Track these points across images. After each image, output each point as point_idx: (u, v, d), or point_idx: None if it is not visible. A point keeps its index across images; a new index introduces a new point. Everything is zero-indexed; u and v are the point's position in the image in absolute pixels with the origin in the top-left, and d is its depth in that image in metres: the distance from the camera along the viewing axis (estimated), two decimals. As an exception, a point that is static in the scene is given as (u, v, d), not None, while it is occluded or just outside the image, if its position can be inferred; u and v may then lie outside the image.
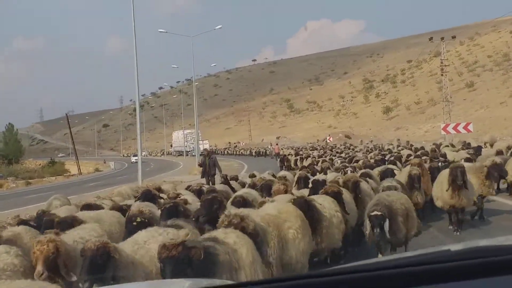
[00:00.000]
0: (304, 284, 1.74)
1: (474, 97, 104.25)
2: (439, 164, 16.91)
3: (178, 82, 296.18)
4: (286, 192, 10.71)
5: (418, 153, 27.70)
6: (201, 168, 27.53)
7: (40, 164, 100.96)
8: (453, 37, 76.16)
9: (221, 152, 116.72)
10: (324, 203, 9.01)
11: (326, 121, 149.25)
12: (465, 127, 44.64)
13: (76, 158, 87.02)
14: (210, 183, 24.65)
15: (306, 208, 8.09)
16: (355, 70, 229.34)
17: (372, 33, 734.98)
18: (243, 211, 6.94)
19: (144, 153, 41.97)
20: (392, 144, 52.92)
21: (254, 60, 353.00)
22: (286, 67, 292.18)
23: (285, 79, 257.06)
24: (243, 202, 9.82)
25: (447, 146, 33.80)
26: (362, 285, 1.64)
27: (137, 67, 34.16)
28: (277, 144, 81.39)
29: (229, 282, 2.06)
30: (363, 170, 16.75)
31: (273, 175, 18.55)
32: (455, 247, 1.99)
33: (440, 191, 12.79)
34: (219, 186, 15.18)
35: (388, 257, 2.27)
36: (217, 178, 24.76)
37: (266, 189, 12.37)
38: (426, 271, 1.68)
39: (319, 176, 15.83)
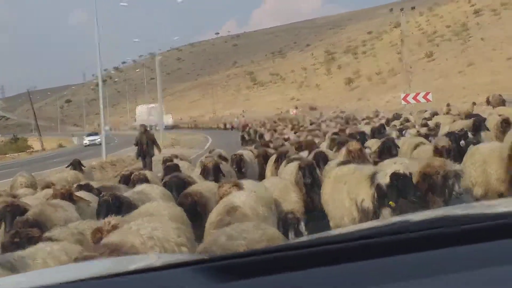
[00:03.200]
0: (250, 261, 1.61)
1: (433, 66, 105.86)
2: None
3: (140, 56, 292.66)
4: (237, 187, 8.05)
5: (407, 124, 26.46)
6: (137, 147, 23.19)
7: (2, 141, 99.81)
8: (413, 8, 77.79)
9: (188, 126, 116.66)
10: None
11: (289, 93, 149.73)
12: (424, 97, 45.32)
13: (39, 134, 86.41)
14: (147, 166, 21.56)
15: None
16: (317, 42, 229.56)
17: (335, 4, 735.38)
18: None
19: (107, 128, 41.88)
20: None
21: (217, 33, 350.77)
22: (249, 40, 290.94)
23: (248, 52, 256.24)
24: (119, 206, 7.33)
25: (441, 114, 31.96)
26: (313, 261, 1.53)
27: (99, 42, 34.37)
28: (243, 117, 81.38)
29: (200, 256, 2.03)
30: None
31: (220, 156, 15.61)
32: (415, 217, 2.00)
33: (483, 174, 9.43)
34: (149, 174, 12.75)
35: (342, 229, 2.20)
36: (157, 158, 21.71)
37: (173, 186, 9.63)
38: (383, 243, 1.62)
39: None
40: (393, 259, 1.50)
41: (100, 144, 57.00)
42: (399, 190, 7.10)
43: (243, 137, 40.38)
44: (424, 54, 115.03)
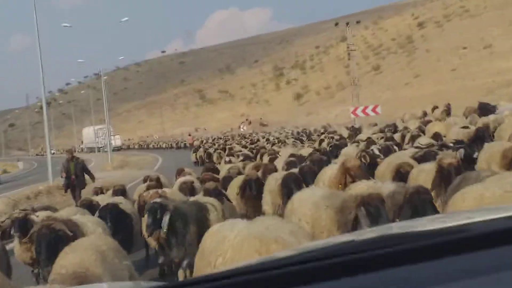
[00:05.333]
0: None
1: (380, 79, 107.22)
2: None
3: (86, 77, 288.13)
4: None
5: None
6: (65, 179, 19.23)
7: None
8: (358, 22, 78.38)
9: (139, 146, 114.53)
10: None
11: (239, 109, 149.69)
12: (373, 110, 45.64)
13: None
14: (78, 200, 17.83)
15: None
16: (265, 58, 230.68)
17: (280, 21, 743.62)
18: None
19: (53, 151, 40.43)
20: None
21: (164, 52, 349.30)
22: (196, 57, 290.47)
23: (196, 69, 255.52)
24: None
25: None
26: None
27: (42, 64, 33.11)
28: (189, 135, 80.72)
29: (156, 284, 1.84)
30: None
31: (158, 180, 14.02)
32: (361, 236, 1.88)
33: None
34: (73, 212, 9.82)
35: (282, 253, 1.94)
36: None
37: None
38: (326, 267, 1.52)
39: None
40: (338, 282, 1.46)
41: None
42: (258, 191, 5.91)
43: (196, 157, 39.76)
44: (371, 67, 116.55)
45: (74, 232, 7.08)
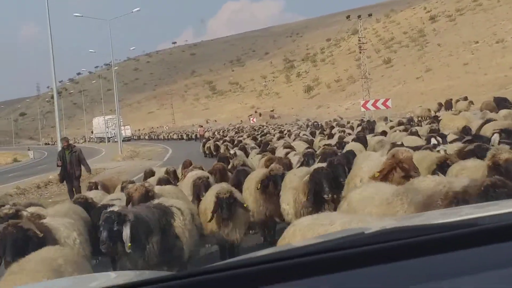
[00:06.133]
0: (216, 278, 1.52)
1: (391, 73, 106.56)
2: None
3: (96, 67, 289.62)
4: None
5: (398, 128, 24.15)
6: (60, 168, 18.01)
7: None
8: (370, 15, 77.59)
9: (149, 136, 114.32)
10: None
11: (249, 101, 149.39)
12: (384, 103, 45.21)
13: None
14: (74, 190, 17.24)
15: None
16: (275, 50, 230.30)
17: (291, 13, 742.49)
18: None
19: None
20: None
21: (174, 43, 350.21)
22: (207, 48, 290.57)
23: (207, 61, 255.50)
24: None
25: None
26: (270, 278, 1.47)
27: (53, 53, 33.08)
28: (201, 126, 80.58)
29: (159, 274, 1.77)
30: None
31: (174, 173, 13.71)
32: (369, 229, 1.86)
33: None
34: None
35: (294, 244, 2.02)
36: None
37: None
38: (335, 258, 1.53)
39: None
40: (348, 273, 1.46)
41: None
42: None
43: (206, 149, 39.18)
44: (382, 61, 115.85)
45: (44, 237, 6.37)
